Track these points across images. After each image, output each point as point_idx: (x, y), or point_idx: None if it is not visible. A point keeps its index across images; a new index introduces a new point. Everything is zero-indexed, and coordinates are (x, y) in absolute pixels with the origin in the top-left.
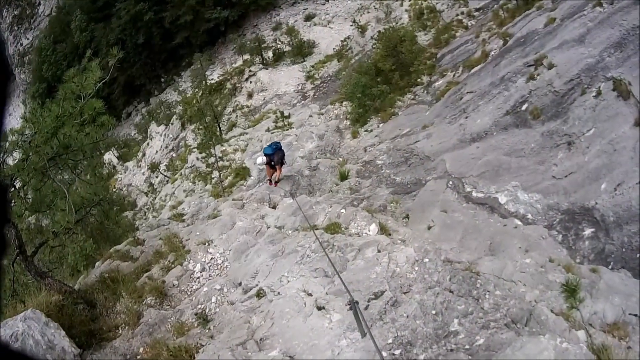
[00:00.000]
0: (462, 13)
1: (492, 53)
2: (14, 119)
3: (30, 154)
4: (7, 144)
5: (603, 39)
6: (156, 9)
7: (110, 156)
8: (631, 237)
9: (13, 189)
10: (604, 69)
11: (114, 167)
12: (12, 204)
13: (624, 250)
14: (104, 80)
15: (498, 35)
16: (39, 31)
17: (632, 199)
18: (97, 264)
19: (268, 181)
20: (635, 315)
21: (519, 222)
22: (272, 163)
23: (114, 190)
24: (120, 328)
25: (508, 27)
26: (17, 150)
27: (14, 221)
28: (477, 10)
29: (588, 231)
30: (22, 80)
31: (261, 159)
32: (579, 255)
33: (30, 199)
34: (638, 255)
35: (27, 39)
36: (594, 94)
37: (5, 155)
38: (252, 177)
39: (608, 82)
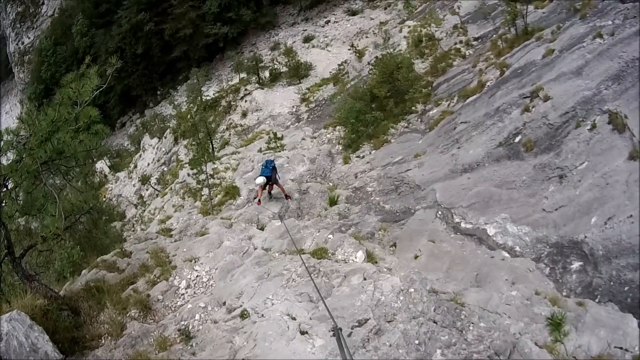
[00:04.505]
0: (461, 42)
1: (489, 83)
2: (10, 117)
3: (24, 156)
4: (2, 143)
5: (601, 71)
6: (157, 20)
7: (102, 165)
8: (620, 270)
9: (5, 189)
10: (600, 102)
11: (105, 176)
12: (3, 204)
13: (612, 283)
14: (101, 89)
15: (495, 65)
16: (40, 31)
17: (623, 232)
18: (83, 272)
19: (257, 201)
20: (621, 348)
21: (507, 254)
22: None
23: (104, 199)
24: (103, 338)
25: (506, 57)
26: (11, 150)
27: (4, 222)
28: (475, 39)
29: (576, 264)
30: (20, 80)
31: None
32: (565, 288)
33: (21, 201)
34: (626, 288)
35: (29, 37)
36: (588, 127)
37: None
38: (241, 197)
39: (604, 115)
